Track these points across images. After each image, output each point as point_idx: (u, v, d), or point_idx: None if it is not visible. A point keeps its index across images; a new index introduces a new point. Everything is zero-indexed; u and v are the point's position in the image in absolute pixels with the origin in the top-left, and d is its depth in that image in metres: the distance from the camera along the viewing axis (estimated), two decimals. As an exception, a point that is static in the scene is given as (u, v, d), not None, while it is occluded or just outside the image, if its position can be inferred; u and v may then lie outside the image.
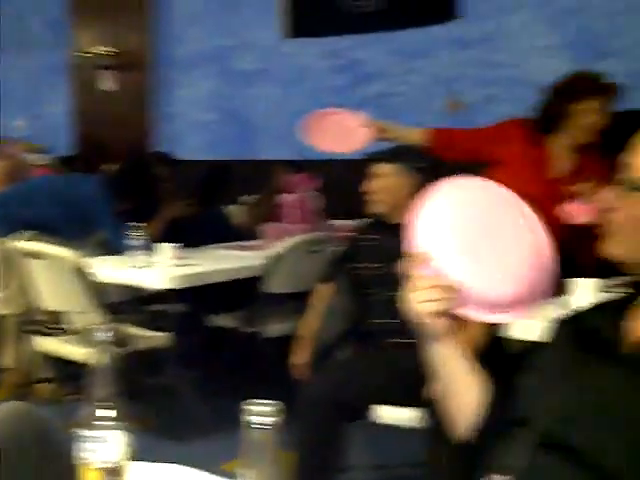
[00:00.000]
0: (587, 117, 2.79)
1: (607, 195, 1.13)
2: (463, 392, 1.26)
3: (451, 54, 4.48)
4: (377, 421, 2.44)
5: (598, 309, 1.21)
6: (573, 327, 1.20)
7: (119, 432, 1.06)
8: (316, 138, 3.13)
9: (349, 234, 3.22)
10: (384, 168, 2.62)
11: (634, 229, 1.10)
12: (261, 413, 0.84)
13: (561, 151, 2.89)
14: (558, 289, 2.16)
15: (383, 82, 4.79)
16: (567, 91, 2.82)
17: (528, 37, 4.25)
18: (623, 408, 1.04)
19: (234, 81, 5.54)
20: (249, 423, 0.84)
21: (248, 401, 0.85)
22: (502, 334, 2.19)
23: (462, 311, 1.23)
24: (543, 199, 2.73)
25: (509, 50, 4.29)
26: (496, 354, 2.19)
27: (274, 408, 0.85)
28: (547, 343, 1.24)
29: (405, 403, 2.33)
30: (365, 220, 2.89)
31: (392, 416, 2.43)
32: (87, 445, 1.05)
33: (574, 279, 2.25)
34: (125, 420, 1.08)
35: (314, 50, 5.15)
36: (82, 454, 1.06)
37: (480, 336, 2.26)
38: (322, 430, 2.32)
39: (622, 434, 1.02)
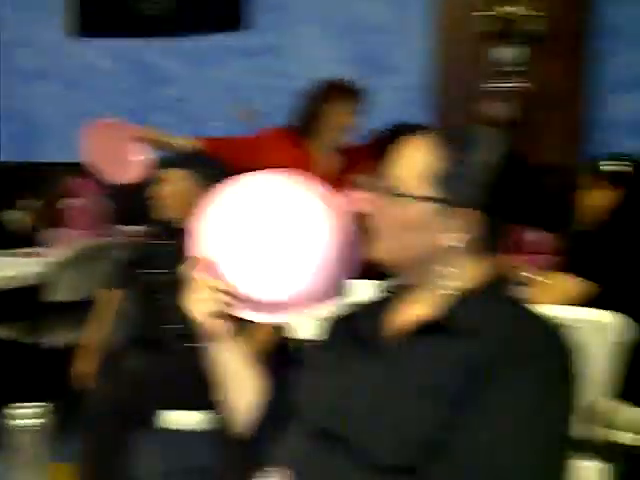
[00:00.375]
0: (340, 118, 3.06)
1: (367, 201, 1.22)
2: (241, 392, 1.31)
3: (240, 63, 4.54)
4: (167, 427, 2.42)
5: (365, 308, 1.29)
6: (342, 325, 1.27)
7: None
8: (91, 153, 3.08)
9: (137, 240, 3.18)
10: (173, 174, 2.61)
11: (390, 234, 1.19)
12: (25, 415, 0.81)
13: (323, 152, 3.13)
14: (340, 289, 2.28)
15: (176, 87, 4.75)
16: (320, 95, 3.09)
17: (315, 50, 4.42)
18: (383, 396, 1.11)
19: (14, 79, 5.24)
20: (12, 426, 0.81)
21: (11, 405, 0.82)
22: (289, 334, 2.25)
23: (241, 313, 1.26)
24: None
25: (297, 61, 4.43)
26: (281, 353, 2.25)
27: (39, 410, 0.82)
28: (319, 341, 1.31)
29: (194, 407, 2.34)
30: (154, 225, 2.86)
31: (181, 421, 2.42)
32: None
33: (353, 280, 2.35)
34: None
35: (102, 50, 5.00)
36: None
37: (266, 336, 2.32)
38: (109, 439, 2.28)
39: (382, 421, 1.09)
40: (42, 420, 0.84)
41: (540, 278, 2.41)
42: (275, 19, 4.50)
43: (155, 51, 4.84)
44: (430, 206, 1.15)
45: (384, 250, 1.20)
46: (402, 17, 4.22)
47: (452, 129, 1.24)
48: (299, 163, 3.04)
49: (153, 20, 4.81)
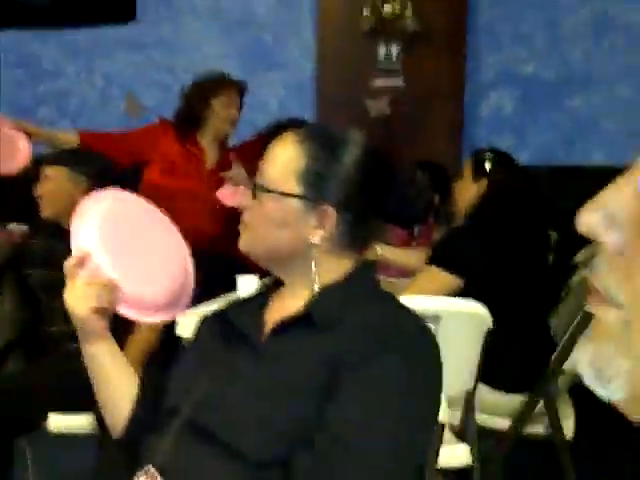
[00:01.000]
0: (224, 109, 3.12)
1: (240, 196, 1.27)
2: (116, 392, 1.31)
3: (128, 56, 4.50)
4: (52, 431, 2.37)
5: (241, 304, 1.31)
6: (218, 322, 1.29)
7: None
8: None
9: (15, 240, 3.11)
10: (51, 171, 2.58)
11: (256, 229, 1.23)
12: None
13: (210, 143, 3.17)
14: (230, 285, 2.33)
15: (60, 80, 4.64)
16: (205, 87, 3.13)
17: (202, 44, 4.42)
18: (255, 391, 1.14)
19: None
20: None
21: None
22: (173, 332, 2.28)
23: (123, 312, 1.29)
24: (204, 190, 3.01)
25: (184, 55, 4.42)
26: (164, 352, 2.27)
27: None
28: (194, 338, 1.33)
29: (79, 409, 2.30)
30: (34, 225, 2.82)
31: (67, 424, 2.37)
32: None
33: (240, 275, 2.40)
34: None
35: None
36: None
37: (148, 335, 2.34)
38: None
39: (251, 416, 1.12)
40: None
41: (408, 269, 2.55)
42: (164, 12, 4.48)
43: (42, 43, 4.72)
44: (294, 202, 1.19)
45: (250, 244, 1.24)
46: (290, 13, 4.28)
47: (321, 127, 1.28)
48: (186, 155, 3.09)
49: (42, 11, 4.69)
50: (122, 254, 1.28)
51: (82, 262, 1.26)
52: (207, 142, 3.16)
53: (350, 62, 4.01)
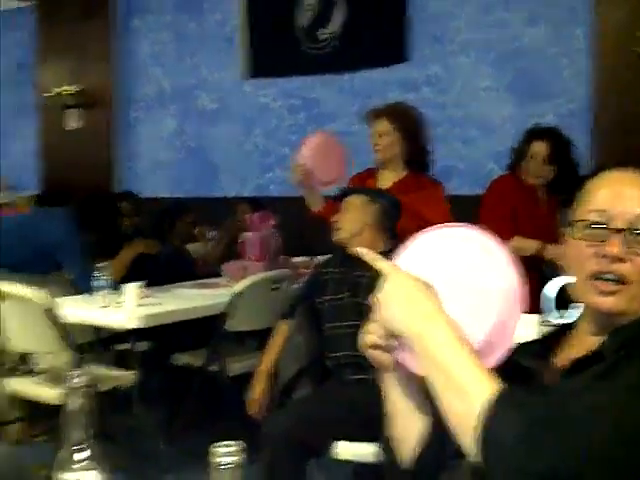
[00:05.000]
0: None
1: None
2: (406, 424, 1.31)
3: (401, 95, 4.69)
4: (337, 457, 2.45)
5: (530, 344, 1.29)
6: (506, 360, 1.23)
7: (95, 474, 1.17)
8: (308, 157, 3.37)
9: (308, 270, 3.34)
10: (353, 200, 2.77)
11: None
12: (226, 454, 0.94)
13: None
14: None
15: (337, 122, 4.96)
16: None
17: (472, 79, 4.49)
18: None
19: (196, 120, 5.69)
20: (216, 464, 0.93)
21: (215, 443, 0.96)
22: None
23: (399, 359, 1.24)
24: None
25: (455, 91, 4.51)
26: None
27: (237, 447, 0.95)
28: None
29: (364, 438, 2.35)
30: (326, 256, 3.02)
31: (352, 452, 2.45)
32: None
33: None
34: (100, 462, 1.18)
35: (271, 90, 5.33)
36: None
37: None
38: (283, 468, 2.34)
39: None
40: (238, 458, 0.95)
41: None
42: (433, 50, 4.62)
43: (319, 88, 5.10)
44: None
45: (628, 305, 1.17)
46: (560, 42, 4.21)
47: None
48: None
49: (319, 59, 5.08)
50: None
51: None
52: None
53: (627, 89, 3.84)
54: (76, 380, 1.14)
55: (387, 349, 1.22)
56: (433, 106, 4.51)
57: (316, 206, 3.38)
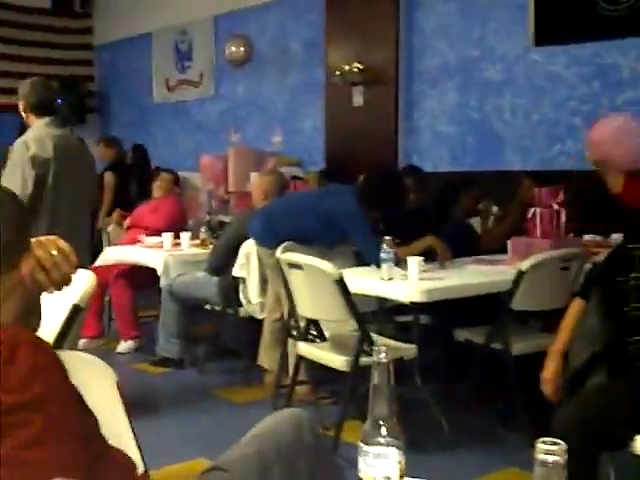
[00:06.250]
0: None
1: None
2: None
3: None
4: (636, 452, 2.27)
5: None
6: None
7: (394, 450, 1.16)
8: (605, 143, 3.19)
9: (600, 249, 3.11)
10: None
11: None
12: (549, 452, 0.89)
13: None
14: None
15: (637, 90, 4.57)
16: None
17: None
18: None
19: (479, 91, 5.56)
20: (540, 461, 0.90)
21: (539, 439, 0.91)
22: None
23: None
24: None
25: None
26: None
27: (561, 448, 0.90)
28: None
29: None
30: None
31: None
32: (367, 460, 1.16)
33: None
34: (398, 437, 1.17)
35: (562, 57, 5.04)
36: (361, 467, 1.16)
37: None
38: (576, 459, 2.25)
39: None
40: (561, 458, 0.91)
41: None
42: None
43: (616, 53, 4.72)
44: None
45: None
46: None
47: None
48: None
49: (613, 22, 4.70)
50: None
51: None
52: None
53: None
54: (382, 355, 1.15)
55: None
56: None
57: (615, 188, 3.14)
